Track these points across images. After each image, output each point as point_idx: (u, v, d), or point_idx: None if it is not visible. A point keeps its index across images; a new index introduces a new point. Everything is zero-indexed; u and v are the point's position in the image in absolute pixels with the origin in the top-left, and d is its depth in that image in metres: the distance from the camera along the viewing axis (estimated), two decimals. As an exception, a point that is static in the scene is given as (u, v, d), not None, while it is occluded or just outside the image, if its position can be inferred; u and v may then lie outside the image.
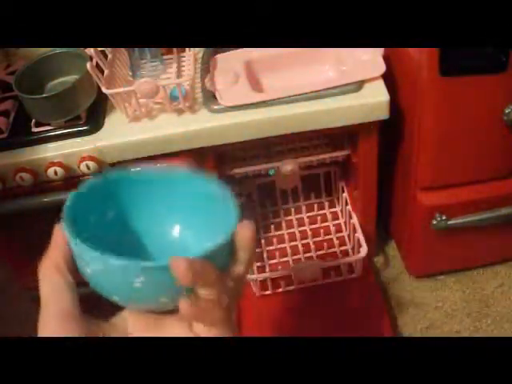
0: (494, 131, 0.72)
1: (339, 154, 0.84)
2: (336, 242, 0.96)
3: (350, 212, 0.93)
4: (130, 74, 0.80)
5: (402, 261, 0.99)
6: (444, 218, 0.80)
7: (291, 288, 0.90)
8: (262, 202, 1.01)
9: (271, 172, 0.84)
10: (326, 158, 0.84)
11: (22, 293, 0.97)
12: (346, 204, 0.95)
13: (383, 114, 0.73)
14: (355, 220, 0.91)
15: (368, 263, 0.94)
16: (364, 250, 0.86)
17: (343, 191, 0.98)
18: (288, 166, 0.82)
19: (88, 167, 0.72)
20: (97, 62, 0.71)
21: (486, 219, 0.81)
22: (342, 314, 0.88)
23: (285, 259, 0.93)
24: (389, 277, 0.98)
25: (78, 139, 0.73)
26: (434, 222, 0.81)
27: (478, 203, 0.80)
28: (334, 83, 0.72)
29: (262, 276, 0.88)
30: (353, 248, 0.92)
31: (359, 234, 0.89)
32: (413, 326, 0.90)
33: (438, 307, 0.92)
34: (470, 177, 0.79)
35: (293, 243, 0.96)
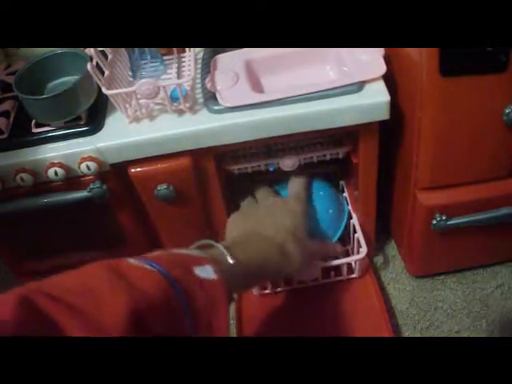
0: (494, 131, 0.72)
1: (339, 151, 0.84)
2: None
3: (349, 212, 0.93)
4: (131, 74, 0.80)
5: (402, 261, 0.99)
6: (444, 218, 0.80)
7: (291, 287, 0.90)
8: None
9: (271, 168, 0.85)
10: (325, 154, 0.84)
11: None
12: (346, 204, 0.95)
13: (384, 114, 0.73)
14: (355, 220, 0.91)
15: (368, 263, 0.94)
16: (364, 251, 0.87)
17: (343, 191, 0.98)
18: (288, 162, 0.82)
19: (88, 168, 0.72)
20: (97, 63, 0.72)
21: (486, 219, 0.81)
22: (341, 314, 0.88)
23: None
24: (389, 277, 0.98)
25: (79, 140, 0.73)
26: (434, 222, 0.81)
27: (478, 203, 0.80)
28: (335, 84, 0.72)
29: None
30: (352, 248, 0.92)
31: (359, 235, 0.89)
32: (413, 325, 0.90)
33: (438, 307, 0.92)
34: (470, 177, 0.79)
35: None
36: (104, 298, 0.40)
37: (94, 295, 0.41)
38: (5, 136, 0.74)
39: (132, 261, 0.47)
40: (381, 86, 0.73)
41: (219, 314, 0.49)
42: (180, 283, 0.46)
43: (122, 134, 0.73)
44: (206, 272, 0.50)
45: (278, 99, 0.72)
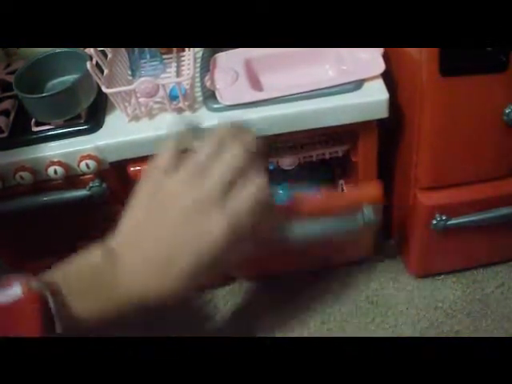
0: (494, 131, 0.72)
1: (338, 149, 0.84)
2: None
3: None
4: (130, 73, 0.80)
5: (402, 261, 0.99)
6: (444, 218, 0.80)
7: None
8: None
9: (271, 166, 0.85)
10: (325, 152, 0.84)
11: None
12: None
13: (383, 112, 0.73)
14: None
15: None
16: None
17: (343, 190, 0.98)
18: (287, 160, 0.82)
19: (88, 166, 0.72)
20: (97, 62, 0.71)
21: (486, 219, 0.81)
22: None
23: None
24: (389, 277, 0.97)
25: (78, 138, 0.73)
26: (434, 222, 0.81)
27: (478, 203, 0.80)
28: (334, 82, 0.72)
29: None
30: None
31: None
32: (413, 326, 0.90)
33: (438, 307, 0.92)
34: (470, 177, 0.79)
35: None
36: None
37: None
38: (5, 135, 0.74)
39: None
40: (380, 84, 0.73)
41: (21, 332, 0.45)
42: None
43: (122, 133, 0.73)
44: (9, 292, 0.46)
45: (278, 97, 0.72)
